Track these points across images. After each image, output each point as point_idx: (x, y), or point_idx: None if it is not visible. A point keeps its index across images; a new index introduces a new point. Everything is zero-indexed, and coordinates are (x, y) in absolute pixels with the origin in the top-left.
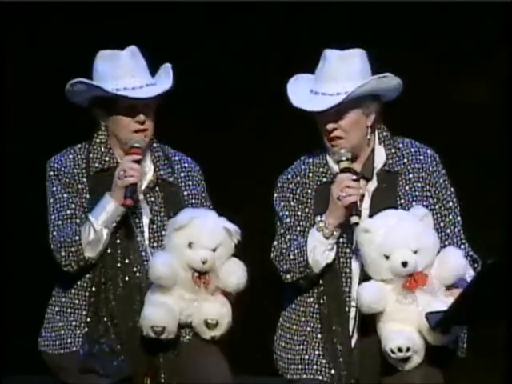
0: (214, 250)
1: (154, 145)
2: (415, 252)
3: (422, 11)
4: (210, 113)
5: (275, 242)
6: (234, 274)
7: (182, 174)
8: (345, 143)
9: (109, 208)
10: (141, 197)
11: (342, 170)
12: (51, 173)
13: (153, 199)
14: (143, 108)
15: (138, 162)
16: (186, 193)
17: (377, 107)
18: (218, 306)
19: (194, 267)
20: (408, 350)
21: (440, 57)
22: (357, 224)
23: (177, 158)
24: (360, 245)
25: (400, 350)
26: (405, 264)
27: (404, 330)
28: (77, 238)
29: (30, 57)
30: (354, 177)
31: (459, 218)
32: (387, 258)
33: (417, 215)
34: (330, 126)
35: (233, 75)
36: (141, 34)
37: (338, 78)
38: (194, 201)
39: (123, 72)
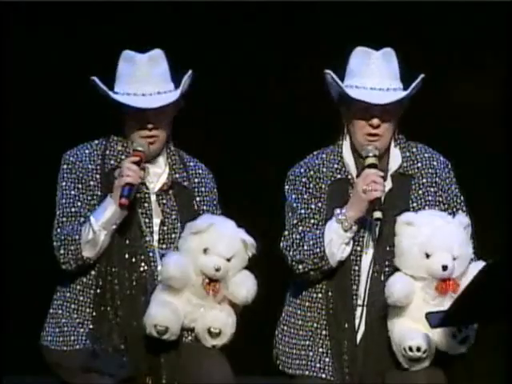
0: (228, 260)
1: (171, 148)
2: (454, 258)
3: (423, 11)
4: (209, 113)
5: (286, 232)
6: (244, 286)
7: (196, 180)
8: (380, 142)
9: (109, 209)
10: (153, 198)
11: (369, 166)
12: (64, 166)
13: (165, 201)
14: (154, 115)
15: (138, 164)
16: (198, 199)
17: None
18: (223, 316)
19: (206, 273)
20: (425, 351)
21: (440, 57)
22: (379, 219)
23: (192, 163)
24: (400, 236)
25: (419, 349)
26: (445, 268)
27: (424, 331)
28: (77, 236)
29: (30, 57)
30: (382, 173)
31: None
32: (427, 256)
33: (462, 223)
34: (375, 121)
35: (232, 75)
36: (140, 34)
37: (382, 74)
38: (205, 207)
39: (138, 77)
